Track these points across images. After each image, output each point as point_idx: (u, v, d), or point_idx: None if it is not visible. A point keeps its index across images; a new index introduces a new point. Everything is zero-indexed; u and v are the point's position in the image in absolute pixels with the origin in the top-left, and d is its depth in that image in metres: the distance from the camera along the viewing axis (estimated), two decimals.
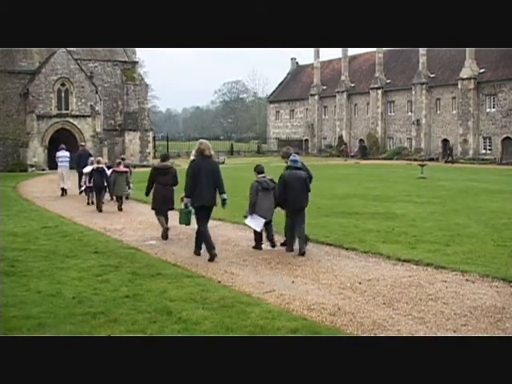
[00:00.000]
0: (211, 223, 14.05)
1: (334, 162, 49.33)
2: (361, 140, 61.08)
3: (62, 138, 38.45)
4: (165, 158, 13.55)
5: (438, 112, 53.28)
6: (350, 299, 7.63)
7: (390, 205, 17.70)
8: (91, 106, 42.85)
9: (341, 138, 63.07)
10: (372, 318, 6.82)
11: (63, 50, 41.44)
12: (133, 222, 14.84)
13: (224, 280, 8.66)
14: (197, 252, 10.60)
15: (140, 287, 8.15)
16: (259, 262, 9.99)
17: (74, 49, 42.31)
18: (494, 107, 48.45)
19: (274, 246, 11.22)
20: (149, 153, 47.50)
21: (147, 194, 12.97)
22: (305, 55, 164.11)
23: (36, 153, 41.09)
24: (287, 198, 10.81)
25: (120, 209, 17.44)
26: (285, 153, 11.76)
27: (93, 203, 18.78)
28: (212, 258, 10.10)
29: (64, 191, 22.46)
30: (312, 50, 69.13)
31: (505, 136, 47.30)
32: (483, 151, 48.97)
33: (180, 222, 11.22)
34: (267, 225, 11.19)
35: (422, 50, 53.08)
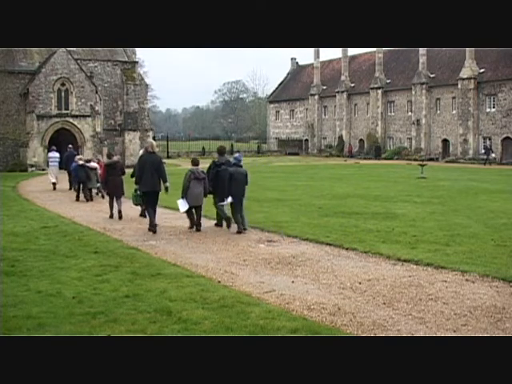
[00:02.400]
0: (211, 223, 14.48)
1: (333, 162, 49.33)
2: (360, 140, 61.12)
3: (62, 138, 38.53)
4: (110, 155, 17.90)
5: (438, 112, 53.29)
6: (349, 299, 7.63)
7: (390, 205, 17.70)
8: (91, 105, 42.85)
9: (341, 137, 63.11)
10: (372, 317, 6.82)
11: (63, 50, 41.44)
12: (133, 222, 14.85)
13: (224, 280, 8.66)
14: (151, 229, 13.01)
15: (140, 287, 8.15)
16: (259, 262, 9.99)
17: (74, 49, 42.33)
18: (493, 107, 48.46)
19: (199, 229, 13.23)
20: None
21: (103, 182, 17.70)
22: (305, 55, 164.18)
23: (36, 153, 41.11)
24: (233, 189, 12.92)
25: (91, 199, 20.72)
26: (221, 147, 14.55)
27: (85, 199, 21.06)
28: (152, 230, 12.96)
29: (54, 186, 25.44)
30: (312, 49, 69.21)
31: (505, 136, 47.31)
32: (483, 151, 48.97)
33: (133, 203, 14.86)
34: (197, 209, 13.40)
35: (422, 50, 53.08)
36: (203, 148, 64.11)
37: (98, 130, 43.26)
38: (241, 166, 13.34)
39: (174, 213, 15.97)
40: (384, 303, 7.43)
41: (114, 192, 16.03)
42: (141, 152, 15.97)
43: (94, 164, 21.62)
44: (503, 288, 8.12)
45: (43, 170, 39.60)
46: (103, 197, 20.51)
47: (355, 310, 7.14)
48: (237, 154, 13.97)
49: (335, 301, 7.54)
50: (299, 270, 9.33)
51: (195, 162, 13.70)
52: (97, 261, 9.95)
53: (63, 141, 35.41)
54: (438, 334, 6.22)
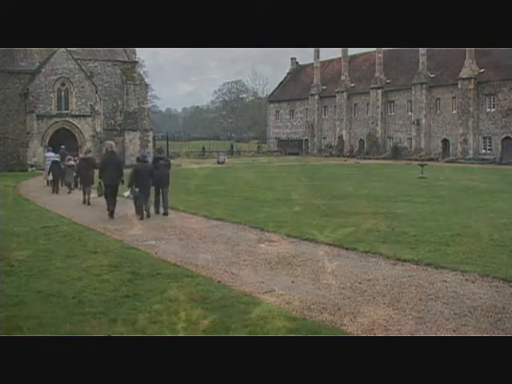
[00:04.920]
0: (211, 223, 14.55)
1: (334, 162, 49.31)
2: (360, 140, 61.09)
3: (62, 138, 38.51)
4: (87, 152, 21.69)
5: (438, 112, 53.24)
6: (349, 299, 7.63)
7: (390, 205, 17.70)
8: (91, 105, 42.84)
9: (341, 137, 63.07)
10: (372, 317, 6.82)
11: (63, 50, 41.40)
12: (132, 222, 14.85)
13: (224, 280, 8.66)
14: (110, 215, 15.70)
15: (140, 287, 8.15)
16: (259, 262, 9.99)
17: (74, 49, 42.30)
18: (493, 107, 48.41)
19: (142, 217, 15.27)
20: (149, 152, 47.39)
21: (77, 175, 21.45)
22: (305, 55, 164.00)
23: (36, 153, 41.06)
24: (137, 181, 15.51)
25: (69, 192, 23.34)
26: (159, 149, 18.85)
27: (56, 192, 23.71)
28: (110, 215, 15.71)
29: (50, 183, 26.46)
30: (312, 49, 69.16)
31: (505, 136, 47.29)
32: (483, 151, 48.95)
33: (97, 194, 17.95)
34: (144, 199, 15.68)
35: (422, 50, 53.01)
36: (203, 148, 64.06)
37: (98, 129, 43.25)
38: (146, 162, 16.32)
39: (175, 213, 16.07)
40: (384, 303, 7.43)
41: (85, 182, 19.52)
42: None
43: (71, 162, 24.49)
44: (503, 288, 8.13)
45: (43, 169, 39.62)
46: (76, 186, 23.62)
47: (355, 310, 7.14)
48: (142, 151, 17.40)
49: (335, 301, 7.54)
50: (299, 270, 9.32)
51: (142, 160, 17.05)
52: (97, 261, 9.95)
53: (63, 141, 35.38)
54: (438, 334, 6.22)
